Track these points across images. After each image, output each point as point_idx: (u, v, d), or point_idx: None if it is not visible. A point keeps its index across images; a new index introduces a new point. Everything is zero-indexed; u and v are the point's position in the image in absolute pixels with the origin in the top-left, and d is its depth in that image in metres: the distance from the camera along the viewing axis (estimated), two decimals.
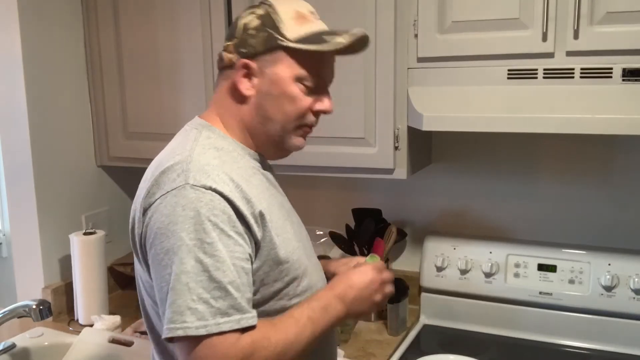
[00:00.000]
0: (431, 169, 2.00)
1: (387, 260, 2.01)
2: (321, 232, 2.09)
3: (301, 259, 1.16)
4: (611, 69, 1.47)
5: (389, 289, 1.22)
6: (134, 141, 2.05)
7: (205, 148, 1.09)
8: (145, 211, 1.05)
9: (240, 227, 1.03)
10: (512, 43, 1.55)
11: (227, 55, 1.13)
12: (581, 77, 1.50)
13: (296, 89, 1.12)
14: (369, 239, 1.97)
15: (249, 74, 1.12)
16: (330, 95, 1.19)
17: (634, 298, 1.72)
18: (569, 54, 1.50)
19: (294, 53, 1.11)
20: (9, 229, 2.33)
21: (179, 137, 1.17)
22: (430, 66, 1.65)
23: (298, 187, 2.10)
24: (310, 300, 1.11)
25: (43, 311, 1.64)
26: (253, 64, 1.12)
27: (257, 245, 1.07)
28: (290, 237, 1.14)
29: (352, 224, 2.02)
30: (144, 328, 1.84)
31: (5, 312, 1.69)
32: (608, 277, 1.74)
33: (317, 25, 1.14)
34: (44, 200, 2.01)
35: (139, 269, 1.14)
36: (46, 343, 1.84)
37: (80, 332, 1.83)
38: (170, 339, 0.99)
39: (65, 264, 2.07)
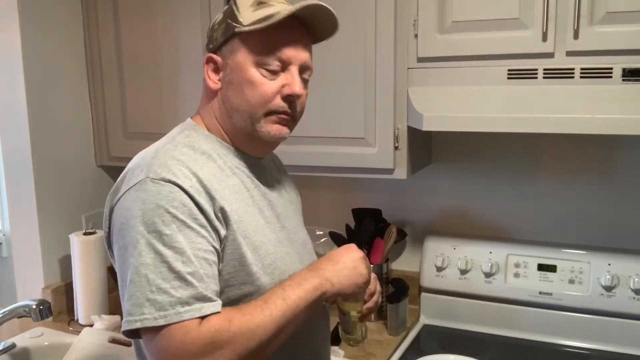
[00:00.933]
0: (431, 169, 2.00)
1: (387, 260, 2.01)
2: (321, 232, 2.09)
3: (277, 264, 1.12)
4: (611, 69, 1.47)
5: (371, 271, 1.17)
6: (134, 141, 2.05)
7: (179, 146, 1.10)
8: (112, 209, 1.06)
9: (202, 220, 1.02)
10: (512, 43, 1.55)
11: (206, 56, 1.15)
12: (581, 77, 1.50)
13: (257, 74, 1.09)
14: (369, 239, 1.97)
15: (216, 68, 1.13)
16: (300, 79, 1.13)
17: (634, 298, 1.72)
18: (569, 54, 1.50)
19: (248, 37, 1.09)
20: (9, 229, 2.33)
21: (166, 135, 1.18)
22: (430, 66, 1.65)
23: (298, 187, 2.10)
24: (283, 281, 1.07)
25: (43, 311, 1.64)
26: (217, 57, 1.13)
27: (221, 242, 1.05)
28: (265, 242, 1.12)
29: (352, 224, 2.02)
30: None
31: (5, 312, 1.69)
32: (608, 277, 1.74)
33: (278, 8, 1.08)
34: (44, 200, 2.01)
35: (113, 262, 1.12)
36: (46, 343, 1.84)
37: (80, 332, 1.83)
38: (131, 334, 0.99)
39: (65, 264, 2.07)
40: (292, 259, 1.17)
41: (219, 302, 0.99)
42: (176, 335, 0.95)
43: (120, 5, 2.00)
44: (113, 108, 2.09)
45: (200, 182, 1.04)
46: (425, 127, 1.58)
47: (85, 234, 2.01)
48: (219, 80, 1.13)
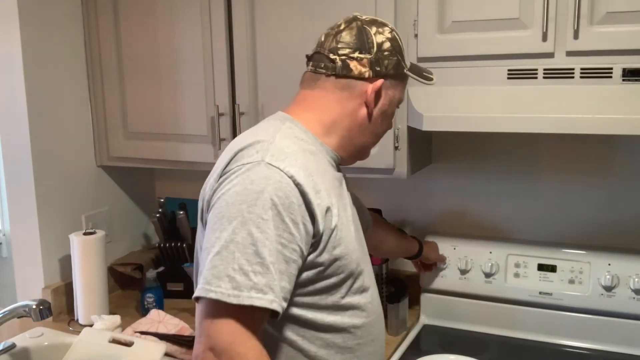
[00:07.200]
0: (431, 169, 2.00)
1: (387, 260, 2.01)
2: None
3: (359, 260, 1.18)
4: (611, 69, 1.47)
5: None
6: (134, 141, 2.05)
7: (287, 135, 1.14)
8: (219, 178, 1.09)
9: (298, 217, 1.05)
10: (512, 43, 1.55)
11: (358, 67, 1.17)
12: (581, 77, 1.50)
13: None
14: None
15: (378, 92, 1.19)
16: None
17: (634, 298, 1.72)
18: (569, 54, 1.50)
19: (405, 80, 1.26)
20: (9, 229, 2.33)
21: (260, 124, 1.22)
22: (430, 66, 1.64)
23: None
24: None
25: (43, 311, 1.64)
26: (385, 84, 1.20)
27: (316, 237, 1.08)
28: (351, 238, 1.17)
29: None
30: (144, 328, 1.85)
31: (5, 312, 1.68)
32: (608, 277, 1.74)
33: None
34: (44, 200, 2.01)
35: (200, 237, 1.17)
36: (46, 343, 1.84)
37: (80, 332, 1.83)
38: (197, 299, 1.02)
39: (65, 264, 2.07)
40: (362, 257, 1.22)
41: (285, 304, 1.03)
42: (245, 315, 0.99)
43: (120, 5, 2.00)
44: (113, 108, 2.09)
45: (310, 175, 1.08)
46: (425, 127, 1.58)
47: (85, 234, 2.01)
48: (376, 104, 1.20)
